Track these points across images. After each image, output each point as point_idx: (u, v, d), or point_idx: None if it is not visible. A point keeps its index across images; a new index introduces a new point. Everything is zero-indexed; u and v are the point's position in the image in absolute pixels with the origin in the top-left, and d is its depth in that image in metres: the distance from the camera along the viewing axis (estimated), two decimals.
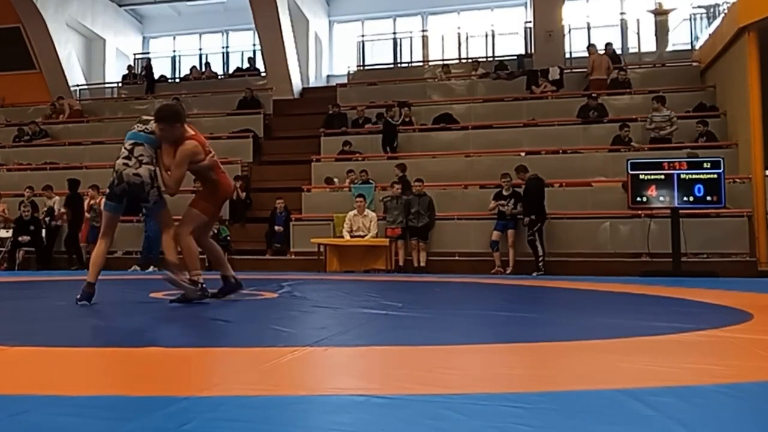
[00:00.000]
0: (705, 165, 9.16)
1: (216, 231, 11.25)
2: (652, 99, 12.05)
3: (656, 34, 16.79)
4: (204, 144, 5.07)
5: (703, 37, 14.30)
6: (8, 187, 13.44)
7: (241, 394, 2.05)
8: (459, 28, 18.95)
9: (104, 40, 19.99)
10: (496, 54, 17.80)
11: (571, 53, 16.57)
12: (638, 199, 9.28)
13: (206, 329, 3.77)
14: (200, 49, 21.02)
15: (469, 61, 17.20)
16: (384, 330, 3.71)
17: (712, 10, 14.64)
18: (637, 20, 17.44)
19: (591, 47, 14.71)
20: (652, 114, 11.92)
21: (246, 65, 18.76)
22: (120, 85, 19.33)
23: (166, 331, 3.70)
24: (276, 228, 11.51)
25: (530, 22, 16.97)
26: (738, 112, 11.27)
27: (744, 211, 9.82)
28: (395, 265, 10.37)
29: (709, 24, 14.38)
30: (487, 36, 18.44)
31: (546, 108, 13.56)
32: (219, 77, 18.72)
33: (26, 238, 11.54)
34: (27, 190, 12.16)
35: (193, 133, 5.01)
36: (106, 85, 19.66)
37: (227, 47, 21.11)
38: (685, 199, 9.08)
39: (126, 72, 19.53)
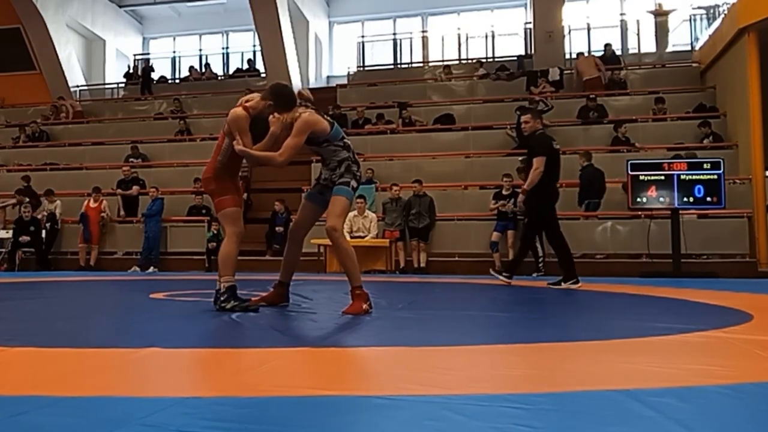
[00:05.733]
0: (705, 166, 9.16)
1: (216, 232, 11.28)
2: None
3: (656, 35, 16.82)
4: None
5: (703, 38, 14.31)
6: (8, 187, 13.44)
7: (241, 395, 2.04)
8: (459, 28, 18.99)
9: (104, 41, 20.02)
10: (496, 55, 17.82)
11: (571, 54, 16.60)
12: (638, 199, 9.27)
13: (206, 330, 3.77)
14: (200, 50, 21.05)
15: (470, 61, 17.21)
16: (384, 330, 3.70)
17: (711, 10, 14.64)
18: (637, 21, 17.47)
19: (579, 54, 14.97)
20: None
21: (246, 66, 18.79)
22: (124, 84, 19.36)
23: (166, 331, 3.69)
24: (276, 229, 11.52)
25: (530, 22, 17.00)
26: (738, 112, 11.27)
27: (744, 212, 9.82)
28: (395, 266, 10.37)
29: (709, 25, 14.39)
30: (487, 37, 18.48)
31: None
32: (219, 78, 18.73)
33: (26, 238, 11.53)
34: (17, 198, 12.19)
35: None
36: (106, 86, 19.68)
37: (227, 48, 21.14)
38: (685, 199, 9.08)
39: (129, 72, 19.58)
